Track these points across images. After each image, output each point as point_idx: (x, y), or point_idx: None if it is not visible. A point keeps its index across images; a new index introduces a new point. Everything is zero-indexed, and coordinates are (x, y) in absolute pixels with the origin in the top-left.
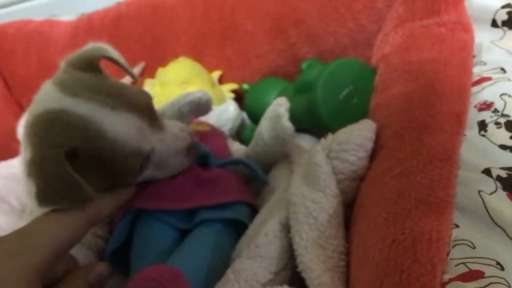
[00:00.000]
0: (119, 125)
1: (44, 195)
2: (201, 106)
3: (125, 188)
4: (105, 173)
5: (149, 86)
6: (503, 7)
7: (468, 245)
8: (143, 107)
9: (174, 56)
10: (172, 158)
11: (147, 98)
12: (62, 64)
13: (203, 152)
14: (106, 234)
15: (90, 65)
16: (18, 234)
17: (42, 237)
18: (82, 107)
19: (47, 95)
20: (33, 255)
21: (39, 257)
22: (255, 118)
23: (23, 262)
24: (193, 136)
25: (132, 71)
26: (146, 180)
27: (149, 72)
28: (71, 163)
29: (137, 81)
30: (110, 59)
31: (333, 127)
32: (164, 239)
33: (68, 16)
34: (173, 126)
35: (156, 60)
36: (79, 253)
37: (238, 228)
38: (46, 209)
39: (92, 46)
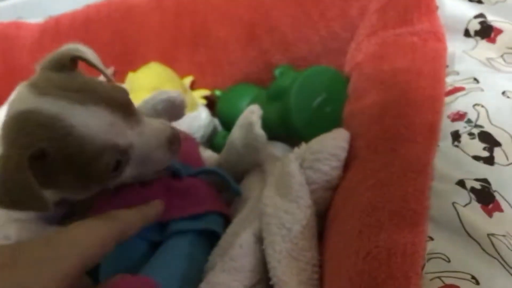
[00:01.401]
0: (88, 120)
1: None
2: (175, 108)
3: (152, 206)
4: (79, 172)
5: None
6: (476, 17)
7: (443, 258)
8: (117, 102)
9: (145, 61)
10: (154, 152)
11: (122, 93)
12: (37, 67)
13: (173, 165)
14: None
15: (62, 65)
16: (46, 241)
17: (71, 247)
18: (50, 105)
19: (20, 97)
20: (62, 263)
21: (67, 266)
22: (227, 125)
23: (52, 269)
24: (174, 127)
25: (106, 71)
26: (132, 180)
27: (119, 77)
28: (39, 164)
29: (112, 81)
30: (83, 59)
31: (306, 135)
32: (135, 251)
33: (35, 18)
34: (153, 121)
35: (125, 66)
36: None
37: (210, 238)
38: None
39: (66, 47)
